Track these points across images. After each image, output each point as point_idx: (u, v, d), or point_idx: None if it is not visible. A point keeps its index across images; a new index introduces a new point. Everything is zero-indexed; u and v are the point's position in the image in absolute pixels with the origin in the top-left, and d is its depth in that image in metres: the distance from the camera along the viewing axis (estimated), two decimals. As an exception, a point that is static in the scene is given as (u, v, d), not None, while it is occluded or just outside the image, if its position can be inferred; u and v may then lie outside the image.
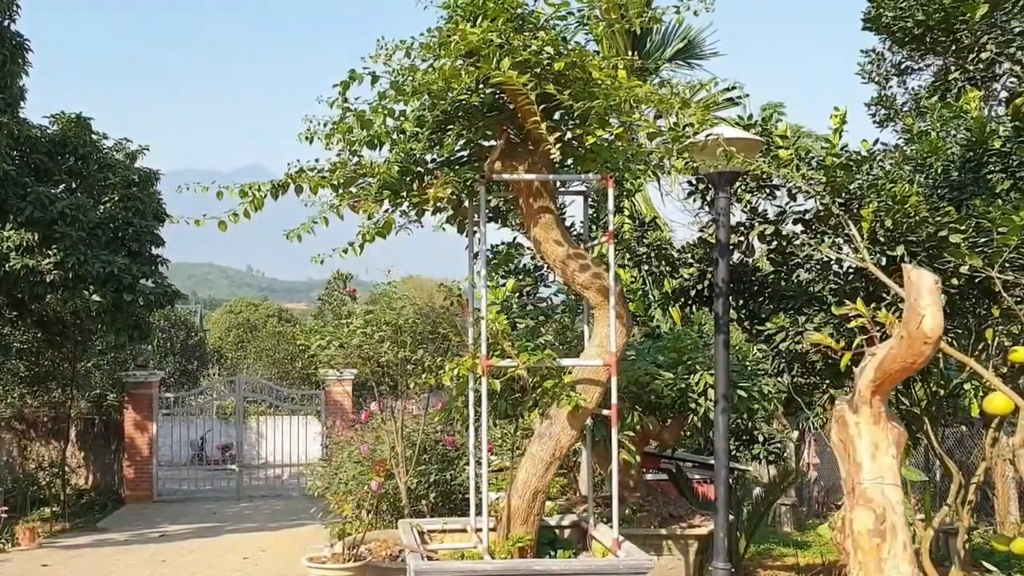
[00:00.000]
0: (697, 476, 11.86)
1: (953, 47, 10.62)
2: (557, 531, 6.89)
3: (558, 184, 6.30)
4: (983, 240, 6.89)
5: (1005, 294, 6.56)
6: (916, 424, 8.24)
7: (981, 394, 7.60)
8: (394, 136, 5.53)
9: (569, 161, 6.13)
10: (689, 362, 7.95)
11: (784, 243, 8.15)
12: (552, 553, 6.41)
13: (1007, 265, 6.54)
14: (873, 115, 14.04)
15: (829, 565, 9.94)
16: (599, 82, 5.25)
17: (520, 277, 9.07)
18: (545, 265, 8.68)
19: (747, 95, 9.01)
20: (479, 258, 6.31)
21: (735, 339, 8.17)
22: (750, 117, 7.93)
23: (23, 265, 13.01)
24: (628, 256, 9.11)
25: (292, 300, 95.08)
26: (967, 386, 8.05)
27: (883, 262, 7.14)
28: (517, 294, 8.93)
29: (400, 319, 8.57)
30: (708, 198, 8.58)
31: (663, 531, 8.22)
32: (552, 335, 8.66)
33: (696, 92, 5.93)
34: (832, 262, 7.98)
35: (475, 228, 6.23)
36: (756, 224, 8.19)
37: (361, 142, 5.50)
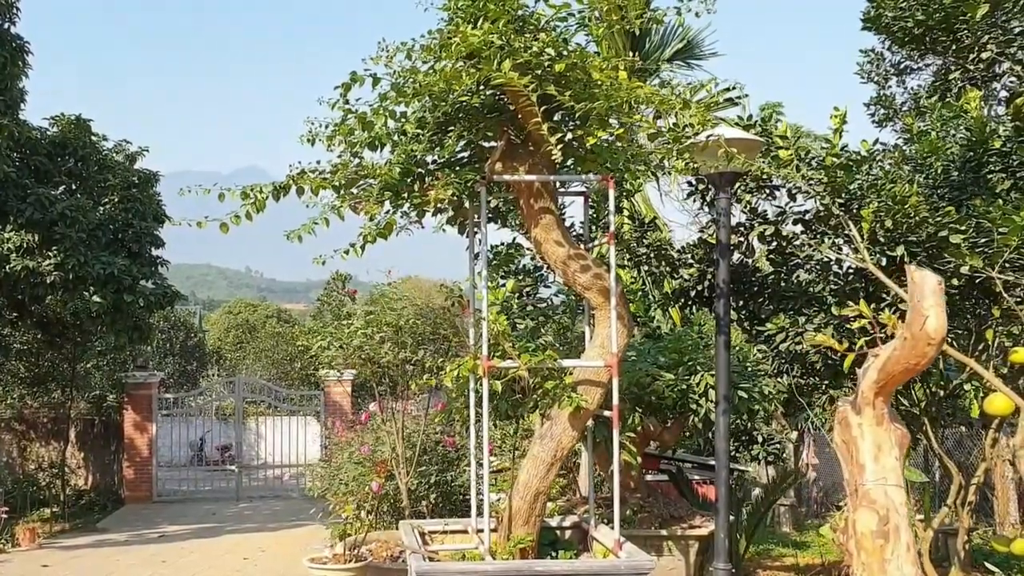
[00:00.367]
0: (697, 477, 11.87)
1: (953, 47, 10.62)
2: (558, 532, 6.89)
3: (558, 185, 6.30)
4: (983, 240, 6.89)
5: (1005, 294, 6.56)
6: (916, 425, 8.24)
7: (981, 395, 7.62)
8: (395, 137, 5.54)
9: (569, 162, 6.13)
10: (690, 363, 7.96)
11: (784, 243, 8.15)
12: (553, 554, 6.42)
13: (1007, 265, 6.55)
14: (872, 115, 14.04)
15: (828, 565, 9.95)
16: (600, 83, 5.25)
17: (520, 278, 9.08)
18: (545, 266, 8.68)
19: (747, 95, 8.99)
20: (480, 259, 6.31)
21: (735, 340, 8.17)
22: (750, 117, 7.93)
23: (23, 266, 13.01)
24: (628, 257, 9.11)
25: (291, 301, 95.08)
26: (967, 387, 8.06)
27: (883, 262, 7.14)
28: (517, 295, 8.93)
29: (401, 320, 8.57)
30: (708, 198, 8.58)
31: (664, 532, 8.22)
32: (552, 336, 8.66)
33: (696, 92, 5.92)
34: (832, 262, 7.99)
35: (476, 229, 6.23)
36: (756, 224, 8.19)
37: (362, 143, 5.51)
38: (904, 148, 9.16)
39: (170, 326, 28.47)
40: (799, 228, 8.07)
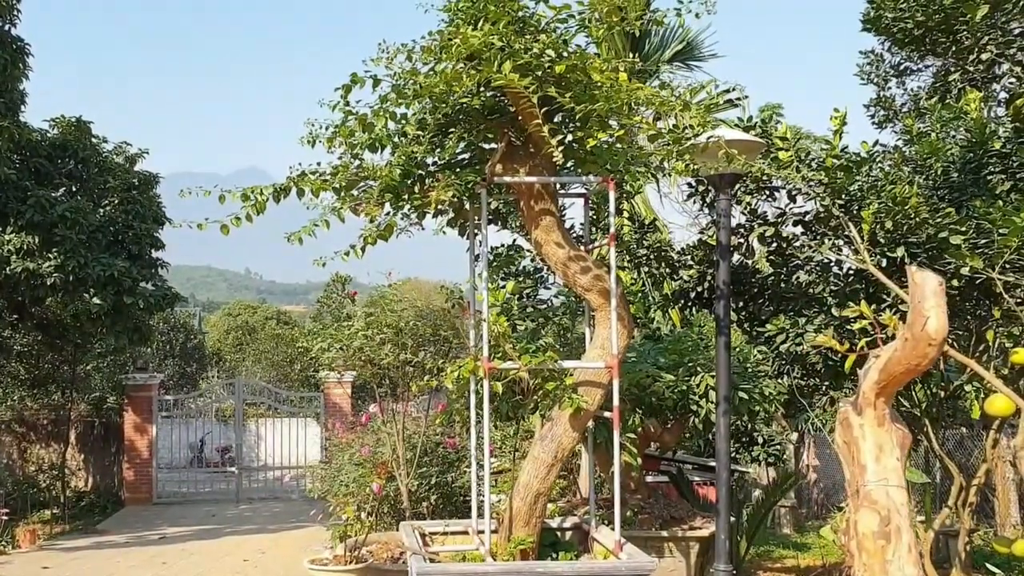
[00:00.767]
0: (698, 478, 11.86)
1: (953, 48, 10.61)
2: (559, 533, 6.89)
3: (559, 186, 6.31)
4: (983, 241, 6.89)
5: (1006, 295, 6.57)
6: (917, 426, 8.24)
7: (982, 396, 7.61)
8: (395, 139, 5.54)
9: (570, 163, 6.14)
10: (690, 364, 7.96)
11: (784, 245, 8.15)
12: (554, 555, 6.41)
13: (1008, 266, 6.55)
14: (872, 116, 14.05)
15: (829, 567, 9.94)
16: (600, 85, 5.26)
17: (520, 279, 9.08)
18: (545, 267, 8.68)
19: (746, 97, 8.97)
20: (480, 260, 6.31)
21: (735, 341, 8.18)
22: (750, 119, 7.93)
23: (23, 268, 13.01)
24: (628, 258, 9.11)
25: (290, 302, 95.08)
26: (968, 388, 8.06)
27: (883, 264, 7.14)
28: (517, 296, 8.93)
29: (401, 321, 8.57)
30: (708, 200, 8.58)
31: (664, 533, 8.21)
32: (552, 337, 8.66)
33: (696, 94, 5.92)
34: (832, 264, 7.99)
35: (476, 231, 6.23)
36: (756, 226, 8.19)
37: (363, 145, 5.52)
38: (904, 149, 9.16)
39: (170, 328, 28.46)
40: (799, 229, 8.07)
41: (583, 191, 6.71)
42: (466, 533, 6.62)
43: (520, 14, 5.34)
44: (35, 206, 13.06)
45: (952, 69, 11.11)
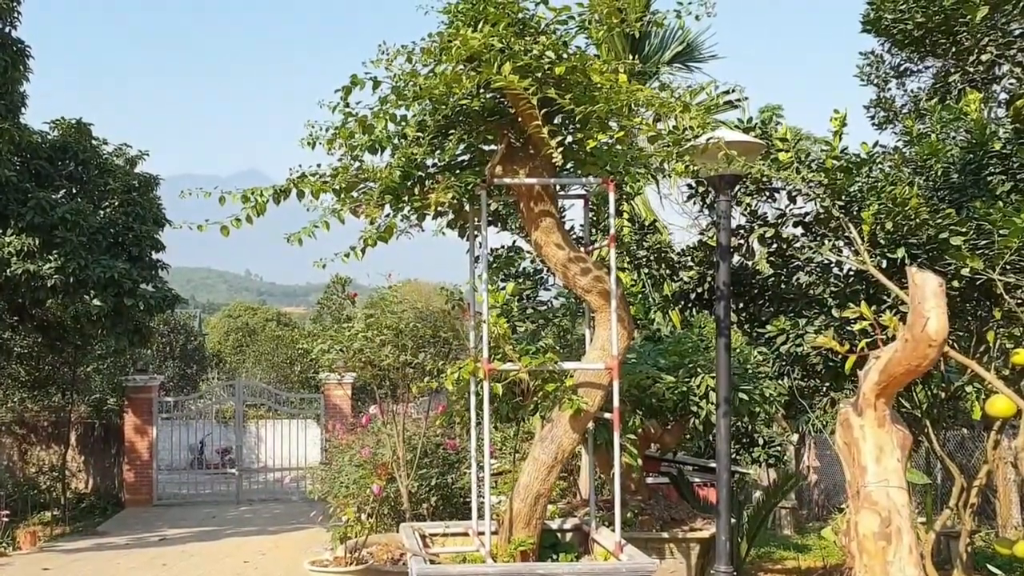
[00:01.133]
0: (698, 479, 11.85)
1: (953, 49, 10.62)
2: (559, 534, 6.88)
3: (558, 188, 6.30)
4: (984, 242, 6.89)
5: (1006, 296, 6.56)
6: (917, 427, 8.23)
7: (983, 397, 7.60)
8: (395, 141, 5.54)
9: (569, 165, 6.13)
10: (690, 365, 7.95)
11: (784, 246, 8.15)
12: (554, 556, 6.41)
13: (1008, 267, 6.54)
14: (872, 117, 14.04)
15: (830, 568, 9.94)
16: (600, 86, 5.25)
17: (520, 281, 9.07)
18: (545, 269, 8.68)
19: (746, 98, 8.96)
20: (480, 262, 6.31)
21: (736, 342, 8.17)
22: (749, 120, 7.93)
23: (24, 270, 13.02)
24: (628, 259, 9.11)
25: (290, 304, 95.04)
26: (968, 389, 8.05)
27: (884, 264, 7.14)
28: (517, 298, 8.93)
29: (401, 323, 8.56)
30: (708, 201, 8.58)
31: (665, 534, 8.20)
32: (552, 338, 8.65)
33: (696, 95, 5.92)
34: (832, 265, 7.98)
35: (476, 232, 6.23)
36: (756, 227, 8.19)
37: (363, 147, 5.52)
38: (904, 150, 9.16)
39: (170, 329, 28.46)
40: (799, 230, 8.07)
41: (583, 192, 6.71)
42: (466, 534, 6.61)
43: (520, 16, 5.34)
44: (35, 208, 13.08)
45: (952, 70, 11.12)
